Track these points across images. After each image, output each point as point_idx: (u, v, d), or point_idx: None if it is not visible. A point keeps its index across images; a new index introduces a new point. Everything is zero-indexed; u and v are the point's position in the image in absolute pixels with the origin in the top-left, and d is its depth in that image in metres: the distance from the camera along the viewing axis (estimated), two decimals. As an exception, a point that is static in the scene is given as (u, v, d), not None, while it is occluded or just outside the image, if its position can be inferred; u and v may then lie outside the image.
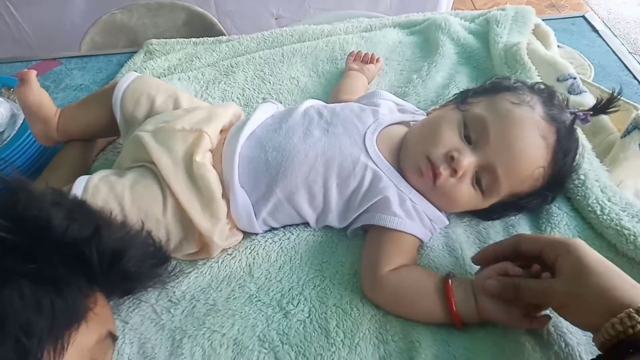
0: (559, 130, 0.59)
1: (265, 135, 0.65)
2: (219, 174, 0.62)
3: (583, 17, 1.07)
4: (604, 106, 0.63)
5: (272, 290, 0.60)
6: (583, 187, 0.64)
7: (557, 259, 0.48)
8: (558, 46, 0.97)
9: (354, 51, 0.93)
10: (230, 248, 0.64)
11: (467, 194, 0.59)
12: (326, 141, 0.63)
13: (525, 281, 0.50)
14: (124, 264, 0.50)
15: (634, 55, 0.98)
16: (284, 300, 0.59)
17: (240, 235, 0.65)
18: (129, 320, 0.58)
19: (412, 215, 0.60)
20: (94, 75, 1.07)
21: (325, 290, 0.59)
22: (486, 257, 0.55)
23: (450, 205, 0.62)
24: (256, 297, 0.59)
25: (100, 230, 0.47)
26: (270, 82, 0.92)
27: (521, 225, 0.65)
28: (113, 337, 0.51)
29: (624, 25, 2.56)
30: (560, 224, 0.63)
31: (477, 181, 0.59)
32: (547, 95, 0.62)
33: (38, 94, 0.75)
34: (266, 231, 0.66)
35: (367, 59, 0.91)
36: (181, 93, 0.74)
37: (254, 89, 0.91)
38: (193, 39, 1.08)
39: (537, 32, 0.96)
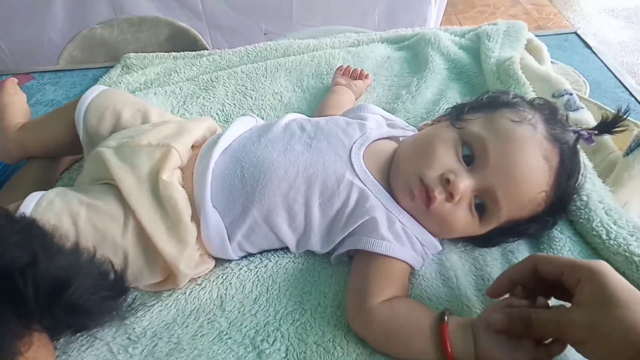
0: (562, 151, 0.54)
1: (241, 149, 0.59)
2: (189, 194, 0.56)
3: (575, 33, 1.04)
4: (609, 125, 0.58)
5: (245, 326, 0.53)
6: (586, 210, 0.59)
7: (577, 284, 0.42)
8: (551, 62, 0.93)
9: (342, 66, 0.89)
10: (199, 277, 0.58)
11: (463, 220, 0.54)
12: (309, 156, 0.57)
13: (538, 312, 0.44)
14: (69, 296, 0.43)
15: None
16: (258, 337, 0.52)
17: (212, 263, 0.59)
18: (80, 360, 0.51)
19: (401, 239, 0.54)
20: (67, 91, 1.01)
21: (305, 326, 0.53)
22: (502, 287, 0.49)
23: (444, 231, 0.57)
24: (227, 334, 0.53)
25: (38, 258, 0.41)
26: (252, 97, 0.87)
27: (520, 252, 0.59)
28: None
29: (609, 48, 2.57)
30: (563, 250, 0.58)
31: (475, 206, 0.54)
32: (548, 113, 0.58)
33: (7, 100, 0.71)
34: (241, 257, 0.60)
35: (356, 75, 0.87)
36: (151, 107, 0.68)
37: (235, 105, 0.86)
38: (173, 53, 1.03)
39: (529, 48, 0.93)
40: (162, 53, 1.04)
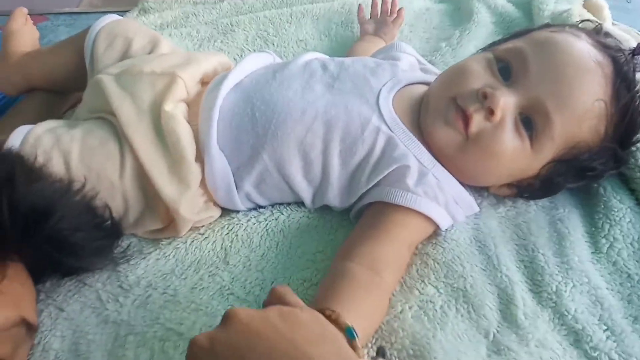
0: (615, 59, 0.47)
1: (254, 86, 0.52)
2: (195, 132, 0.50)
3: (641, -6, 0.93)
4: None
5: (250, 282, 0.47)
6: (653, 176, 0.50)
7: None
8: (612, 24, 0.83)
9: (361, 6, 0.79)
10: (203, 227, 0.52)
11: (510, 145, 0.46)
12: (330, 98, 0.50)
13: None
14: (51, 226, 0.38)
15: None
16: (263, 295, 0.45)
17: (217, 212, 0.53)
18: (65, 307, 0.45)
19: (432, 194, 0.47)
20: (81, 33, 0.96)
21: (316, 287, 0.46)
22: None
23: (489, 166, 0.48)
24: (229, 289, 0.47)
25: (16, 179, 0.36)
26: (274, 44, 0.80)
27: (571, 220, 0.51)
28: (29, 327, 0.38)
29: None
30: (622, 222, 0.49)
31: (523, 126, 0.46)
32: (593, 29, 0.51)
33: (15, 27, 0.67)
34: (250, 209, 0.54)
35: (387, 10, 0.78)
36: (164, 40, 0.62)
37: (255, 50, 0.79)
38: (194, -2, 0.96)
39: (588, 5, 0.82)
40: (182, -3, 0.97)
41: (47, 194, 0.38)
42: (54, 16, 1.03)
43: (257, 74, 0.54)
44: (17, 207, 0.35)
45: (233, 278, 0.48)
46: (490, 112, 0.45)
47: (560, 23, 0.63)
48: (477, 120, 0.46)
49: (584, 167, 0.48)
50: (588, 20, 0.56)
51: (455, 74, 0.50)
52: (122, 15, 0.93)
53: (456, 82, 0.48)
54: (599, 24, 0.53)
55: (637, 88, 0.47)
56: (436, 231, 0.49)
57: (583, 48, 0.46)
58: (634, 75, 0.48)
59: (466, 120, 0.46)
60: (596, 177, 0.51)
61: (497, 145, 0.46)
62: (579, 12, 0.76)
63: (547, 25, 0.53)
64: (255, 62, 0.56)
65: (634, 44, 0.68)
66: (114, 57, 0.58)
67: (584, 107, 0.45)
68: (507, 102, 0.45)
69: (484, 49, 0.55)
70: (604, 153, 0.48)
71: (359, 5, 0.80)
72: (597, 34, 0.50)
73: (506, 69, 0.47)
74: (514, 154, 0.47)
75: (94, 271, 0.48)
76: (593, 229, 0.50)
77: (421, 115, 0.50)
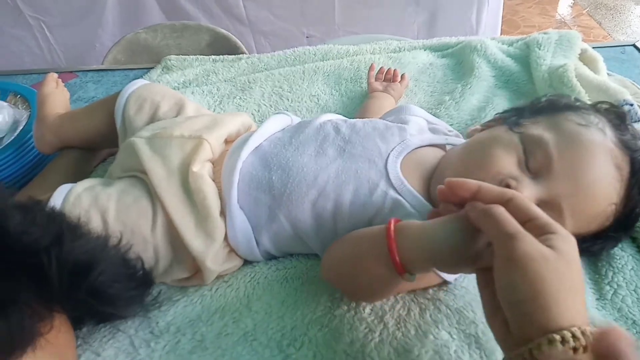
0: (633, 160, 0.48)
1: (272, 150, 0.56)
2: (219, 189, 0.54)
3: (634, 45, 0.98)
4: None
5: (272, 328, 0.50)
6: (652, 226, 0.53)
7: None
8: (608, 74, 0.88)
9: (373, 64, 0.85)
10: (227, 274, 0.55)
11: None
12: (341, 163, 0.54)
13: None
14: (93, 280, 0.41)
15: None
16: (284, 341, 0.49)
17: (240, 262, 0.56)
18: (101, 352, 0.49)
19: None
20: (108, 89, 1.03)
21: (333, 332, 0.49)
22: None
23: None
24: (252, 335, 0.50)
25: (64, 238, 0.40)
26: (288, 99, 0.86)
27: (575, 268, 0.54)
28: None
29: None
30: (625, 269, 0.52)
31: None
32: (615, 118, 0.52)
33: (48, 91, 0.72)
34: (270, 258, 0.57)
35: (390, 76, 0.84)
36: (188, 102, 0.68)
37: (271, 105, 0.85)
38: (213, 56, 1.04)
39: (583, 58, 0.88)
40: (201, 56, 1.04)
41: (89, 249, 0.42)
42: (82, 73, 1.10)
43: (275, 137, 0.59)
44: (64, 263, 0.39)
45: (256, 324, 0.51)
46: None
47: (589, 103, 0.56)
48: None
49: (584, 249, 0.51)
50: (605, 102, 0.55)
51: (478, 156, 0.50)
52: (146, 71, 1.03)
53: (479, 165, 0.49)
54: (621, 110, 0.54)
55: None
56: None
57: (607, 151, 0.47)
58: None
59: None
60: (593, 255, 0.54)
61: None
62: (574, 66, 0.81)
63: (574, 108, 0.52)
64: (274, 126, 0.61)
65: (628, 97, 0.73)
66: (144, 119, 0.64)
67: (597, 211, 0.47)
68: (528, 196, 0.46)
69: (509, 122, 0.53)
70: (605, 239, 0.51)
71: (372, 64, 0.86)
72: (622, 123, 0.51)
73: (532, 155, 0.48)
74: None
75: (127, 318, 0.51)
76: (597, 276, 0.53)
77: (432, 186, 0.52)
